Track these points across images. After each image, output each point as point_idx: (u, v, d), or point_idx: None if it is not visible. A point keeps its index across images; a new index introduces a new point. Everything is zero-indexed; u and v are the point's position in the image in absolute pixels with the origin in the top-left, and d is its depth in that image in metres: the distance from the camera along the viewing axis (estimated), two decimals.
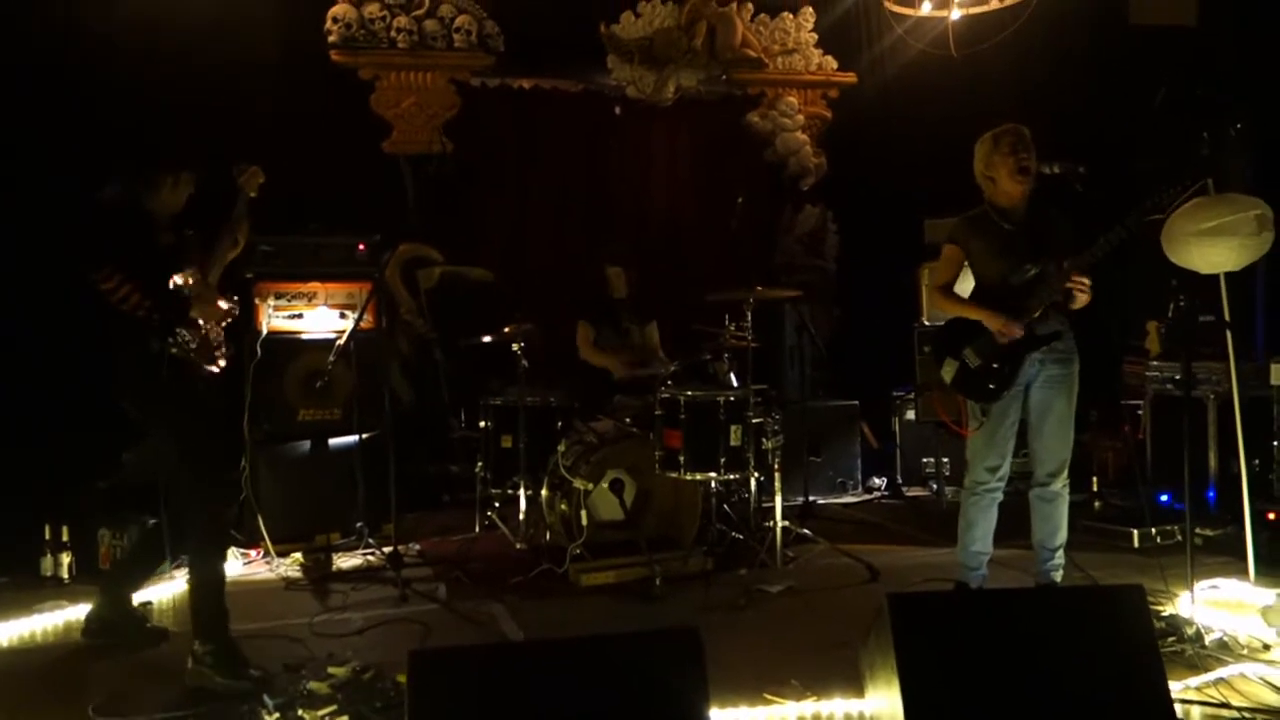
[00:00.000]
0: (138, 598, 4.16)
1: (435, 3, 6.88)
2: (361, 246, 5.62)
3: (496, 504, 5.67)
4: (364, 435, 5.36)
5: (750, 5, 7.54)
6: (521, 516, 5.34)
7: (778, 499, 4.98)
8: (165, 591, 4.54)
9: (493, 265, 6.83)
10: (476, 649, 3.30)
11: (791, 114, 7.64)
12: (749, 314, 5.06)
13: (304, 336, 5.47)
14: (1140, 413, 6.06)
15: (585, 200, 7.36)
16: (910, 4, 6.40)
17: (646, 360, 6.01)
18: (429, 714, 2.49)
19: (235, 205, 3.89)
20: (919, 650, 2.74)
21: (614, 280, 6.14)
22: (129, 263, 3.50)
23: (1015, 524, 4.34)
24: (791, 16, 7.65)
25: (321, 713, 3.16)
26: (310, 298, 5.51)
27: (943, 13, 6.30)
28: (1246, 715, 3.09)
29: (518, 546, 5.29)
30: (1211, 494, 5.50)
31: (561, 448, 5.15)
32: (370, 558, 5.18)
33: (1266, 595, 3.97)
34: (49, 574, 4.79)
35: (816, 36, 7.69)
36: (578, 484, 4.83)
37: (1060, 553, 4.15)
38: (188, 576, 3.65)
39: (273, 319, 5.37)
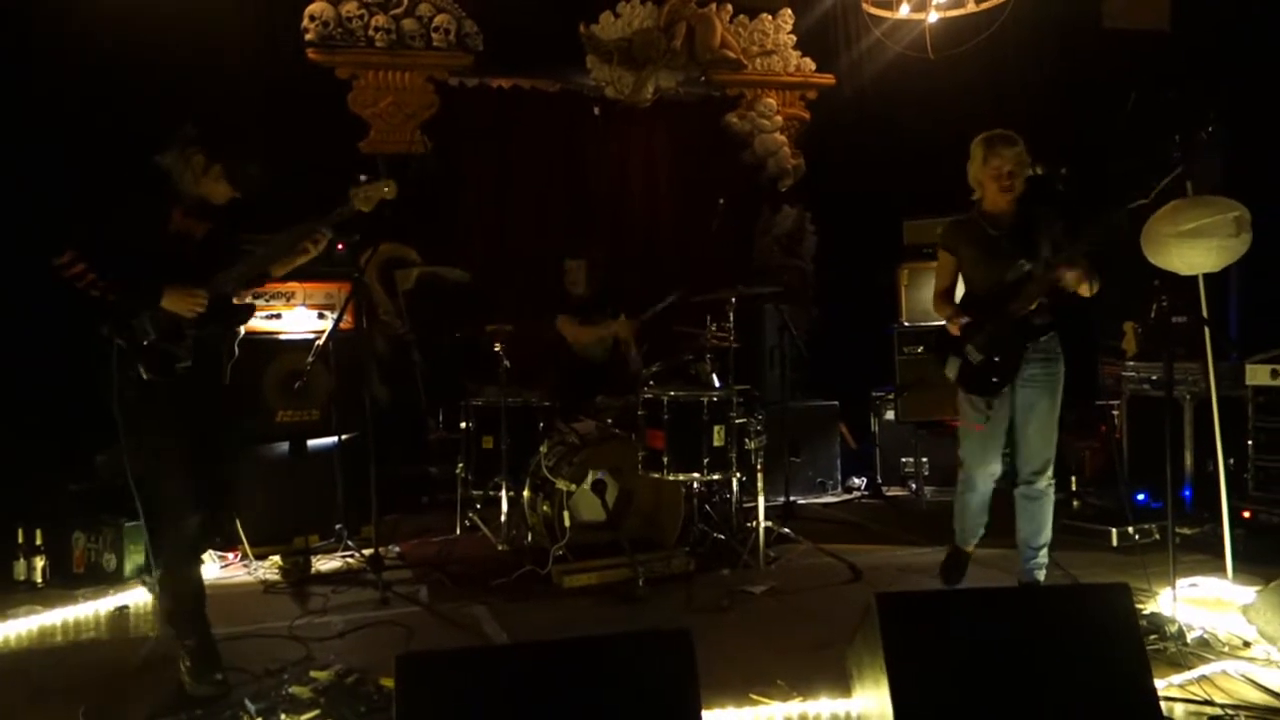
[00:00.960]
0: (117, 601, 4.07)
1: (414, 2, 6.85)
2: (341, 246, 5.55)
3: (478, 505, 5.63)
4: (343, 436, 5.31)
5: (729, 7, 7.55)
6: (503, 518, 5.31)
7: (760, 499, 4.99)
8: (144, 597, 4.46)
9: (472, 265, 6.81)
10: (465, 652, 3.28)
11: (770, 115, 7.65)
12: (731, 314, 5.07)
13: (282, 337, 5.41)
14: (1115, 413, 6.12)
15: (564, 200, 7.35)
16: (888, 6, 6.43)
17: (624, 355, 5.96)
18: (417, 718, 2.46)
19: (334, 209, 3.76)
20: (907, 650, 2.74)
21: (573, 273, 6.04)
22: (100, 238, 3.33)
23: (998, 523, 4.38)
24: (770, 18, 7.67)
25: (304, 717, 3.13)
26: (289, 298, 5.45)
27: (920, 15, 6.34)
28: (1230, 713, 3.12)
29: (499, 548, 5.26)
30: (1188, 493, 5.55)
31: (544, 448, 5.13)
32: (350, 560, 5.13)
33: (1245, 593, 4.01)
34: (22, 578, 4.72)
35: (795, 38, 7.72)
36: (560, 485, 4.81)
37: (1044, 552, 4.19)
38: (159, 579, 3.52)
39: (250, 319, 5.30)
